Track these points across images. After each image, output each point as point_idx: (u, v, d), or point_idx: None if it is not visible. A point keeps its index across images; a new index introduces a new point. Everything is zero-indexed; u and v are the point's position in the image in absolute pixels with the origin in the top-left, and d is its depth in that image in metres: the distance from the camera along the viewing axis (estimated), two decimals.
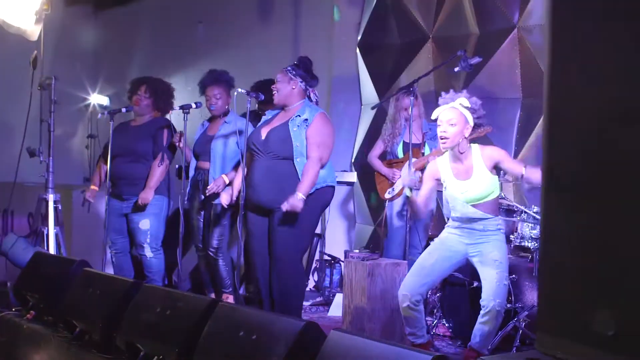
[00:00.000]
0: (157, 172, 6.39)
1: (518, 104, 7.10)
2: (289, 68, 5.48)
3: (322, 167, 5.31)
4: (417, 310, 4.84)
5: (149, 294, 4.59)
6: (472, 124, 4.85)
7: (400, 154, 6.94)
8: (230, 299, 6.28)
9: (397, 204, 6.88)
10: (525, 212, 5.45)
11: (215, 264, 6.25)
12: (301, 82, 5.47)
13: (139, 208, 6.43)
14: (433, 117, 4.93)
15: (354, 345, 3.46)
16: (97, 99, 11.30)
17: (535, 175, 4.63)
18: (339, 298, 6.80)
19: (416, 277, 4.86)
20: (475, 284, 5.40)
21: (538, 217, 5.43)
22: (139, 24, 11.03)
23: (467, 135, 4.84)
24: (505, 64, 7.10)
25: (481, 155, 4.83)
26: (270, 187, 5.31)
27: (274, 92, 5.49)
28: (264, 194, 5.32)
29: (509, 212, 5.70)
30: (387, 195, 6.89)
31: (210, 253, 6.23)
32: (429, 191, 4.98)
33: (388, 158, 7.01)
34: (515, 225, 5.53)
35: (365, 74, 8.53)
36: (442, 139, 4.82)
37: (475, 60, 5.95)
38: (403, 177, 6.75)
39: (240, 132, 6.04)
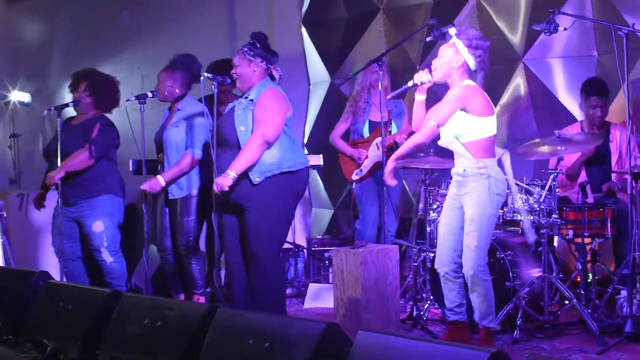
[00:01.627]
0: (76, 157, 5.81)
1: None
2: (246, 49, 4.97)
3: (268, 146, 4.81)
4: (455, 282, 4.64)
5: (131, 305, 4.13)
6: (466, 56, 4.55)
7: (367, 133, 6.60)
8: (201, 300, 5.84)
9: (368, 184, 6.53)
10: (518, 184, 5.17)
11: (186, 262, 5.78)
12: (261, 61, 4.97)
13: (89, 210, 5.89)
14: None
15: (389, 346, 3.11)
16: (18, 96, 10.60)
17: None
18: (313, 288, 6.45)
19: (441, 247, 4.67)
20: None
21: (531, 188, 5.16)
22: (58, 14, 10.32)
23: (456, 65, 4.56)
24: None
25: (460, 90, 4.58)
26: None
27: (235, 79, 5.04)
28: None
29: None
30: (354, 177, 6.55)
31: (181, 251, 5.76)
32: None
33: (352, 138, 6.66)
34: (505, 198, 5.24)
35: (312, 52, 8.15)
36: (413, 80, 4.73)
37: (448, 27, 5.61)
38: (371, 156, 6.45)
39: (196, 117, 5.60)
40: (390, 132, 6.52)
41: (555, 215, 5.05)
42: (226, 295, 5.15)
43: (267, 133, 4.77)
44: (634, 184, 4.81)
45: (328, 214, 8.05)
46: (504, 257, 5.09)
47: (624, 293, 5.25)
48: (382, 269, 4.96)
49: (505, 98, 6.79)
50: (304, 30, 8.24)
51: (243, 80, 4.97)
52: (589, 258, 5.36)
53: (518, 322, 4.91)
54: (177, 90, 5.85)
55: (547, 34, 5.00)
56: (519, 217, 5.21)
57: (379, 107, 6.44)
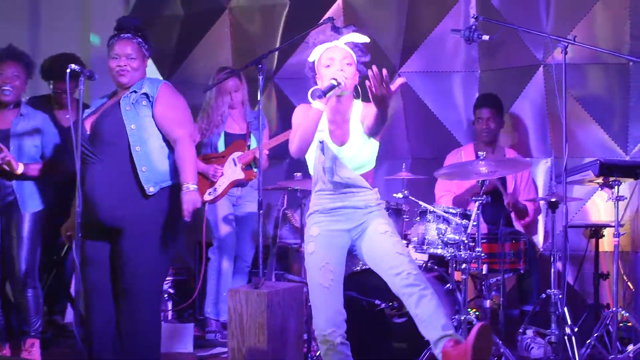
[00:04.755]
0: None
1: None
2: (140, 40, 4.08)
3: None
4: (347, 343, 3.57)
5: None
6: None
7: (222, 147, 5.69)
8: (36, 345, 4.63)
9: (223, 205, 5.61)
10: (434, 211, 4.50)
11: (22, 295, 4.56)
12: (147, 52, 4.13)
13: None
14: (311, 59, 3.66)
15: None
16: None
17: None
18: (166, 328, 5.37)
19: (330, 302, 3.55)
20: (377, 302, 4.42)
21: (448, 215, 4.51)
22: None
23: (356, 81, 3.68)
24: None
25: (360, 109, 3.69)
26: (108, 199, 3.87)
27: (122, 73, 4.02)
28: (102, 209, 3.87)
29: (398, 212, 4.76)
30: (206, 197, 5.60)
31: (19, 280, 4.54)
32: None
33: (205, 152, 5.72)
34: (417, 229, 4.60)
35: None
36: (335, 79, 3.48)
37: (350, 29, 4.86)
38: (228, 174, 5.57)
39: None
40: (249, 146, 5.69)
41: (480, 249, 4.42)
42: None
43: (193, 133, 4.35)
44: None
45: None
46: None
47: (530, 333, 4.88)
48: (289, 312, 4.09)
49: None
50: None
51: (135, 75, 4.06)
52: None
53: None
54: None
55: (469, 42, 4.41)
56: (432, 250, 4.54)
57: (238, 118, 5.71)
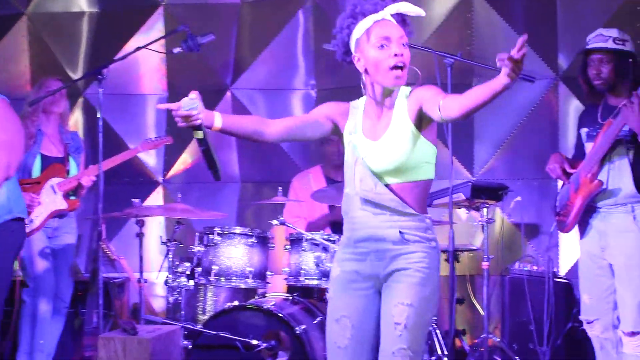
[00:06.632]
0: None
1: None
2: None
3: (7, 178, 3.55)
4: None
5: None
6: None
7: (37, 172, 4.94)
8: None
9: (38, 239, 4.85)
10: (313, 239, 4.13)
11: None
12: None
13: None
14: (355, 36, 2.72)
15: None
16: None
17: (452, 103, 2.56)
18: None
19: None
20: (253, 342, 3.98)
21: (329, 243, 4.16)
22: None
23: None
24: None
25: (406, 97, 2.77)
26: None
27: None
28: None
29: (263, 240, 4.35)
30: None
31: None
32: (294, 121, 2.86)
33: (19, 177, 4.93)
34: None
35: None
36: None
37: (209, 38, 4.37)
38: (46, 203, 4.85)
39: None
40: (68, 171, 5.00)
41: None
42: None
43: (11, 162, 3.51)
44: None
45: None
46: (301, 332, 4.01)
47: None
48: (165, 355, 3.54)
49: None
50: None
51: None
52: None
53: None
54: None
55: None
56: (308, 282, 4.18)
57: (55, 138, 5.02)
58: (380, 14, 2.68)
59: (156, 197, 5.77)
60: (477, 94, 2.44)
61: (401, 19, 2.71)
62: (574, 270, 5.01)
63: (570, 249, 5.06)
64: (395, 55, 2.61)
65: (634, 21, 4.94)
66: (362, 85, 2.74)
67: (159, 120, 5.84)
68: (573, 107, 5.22)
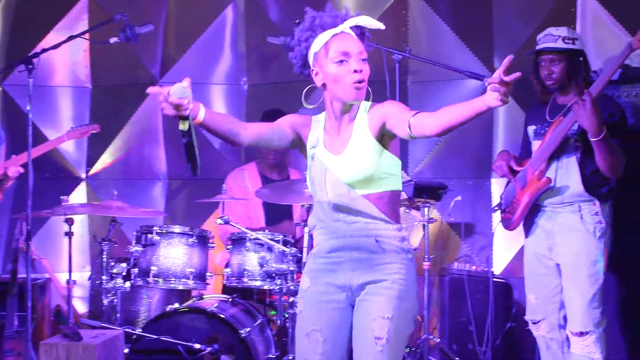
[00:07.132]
0: None
1: None
2: None
3: None
4: None
5: None
6: None
7: None
8: None
9: None
10: (257, 239, 4.00)
11: None
12: None
13: None
14: (313, 50, 2.62)
15: None
16: None
17: (427, 120, 2.43)
18: None
19: None
20: (196, 345, 3.83)
21: (275, 243, 4.03)
22: None
23: None
24: None
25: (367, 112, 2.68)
26: None
27: None
28: None
29: (204, 239, 4.19)
30: None
31: None
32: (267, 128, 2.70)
33: None
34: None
35: None
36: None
37: (147, 28, 4.17)
38: None
39: None
40: None
41: None
42: None
43: None
44: None
45: None
46: (246, 335, 3.87)
47: None
48: None
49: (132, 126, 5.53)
50: None
51: None
52: None
53: None
54: None
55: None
56: (251, 283, 4.04)
57: None
58: (339, 27, 2.60)
59: (79, 194, 5.48)
60: (456, 113, 2.35)
61: (360, 32, 2.63)
62: (508, 270, 5.03)
63: (503, 248, 5.06)
64: (355, 71, 2.53)
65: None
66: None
67: (81, 113, 5.55)
68: (507, 107, 5.21)
